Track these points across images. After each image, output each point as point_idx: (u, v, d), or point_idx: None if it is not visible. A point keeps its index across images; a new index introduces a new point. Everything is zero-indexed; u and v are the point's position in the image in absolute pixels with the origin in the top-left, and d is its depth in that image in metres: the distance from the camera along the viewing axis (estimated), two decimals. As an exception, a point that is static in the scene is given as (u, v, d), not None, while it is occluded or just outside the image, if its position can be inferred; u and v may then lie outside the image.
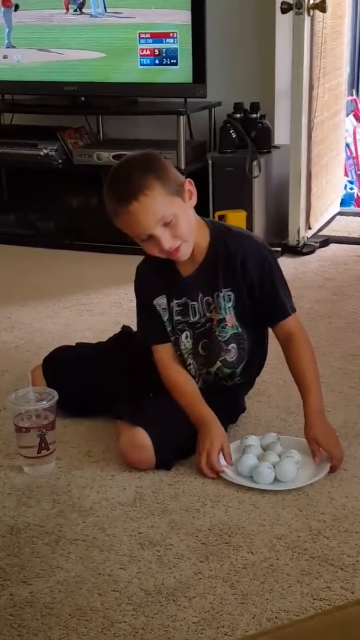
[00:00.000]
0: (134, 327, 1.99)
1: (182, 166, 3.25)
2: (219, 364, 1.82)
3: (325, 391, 2.08)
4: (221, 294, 1.77)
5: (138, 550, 1.48)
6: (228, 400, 1.87)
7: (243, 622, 1.30)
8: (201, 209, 3.32)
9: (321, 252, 3.30)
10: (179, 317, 1.80)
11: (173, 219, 1.65)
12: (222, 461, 1.70)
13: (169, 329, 1.82)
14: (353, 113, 4.51)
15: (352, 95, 4.52)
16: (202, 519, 1.57)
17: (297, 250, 3.27)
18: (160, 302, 1.80)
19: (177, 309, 1.80)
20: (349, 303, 2.74)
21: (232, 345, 1.80)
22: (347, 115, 4.21)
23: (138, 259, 1.86)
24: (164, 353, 1.82)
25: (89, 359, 2.00)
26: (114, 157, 3.38)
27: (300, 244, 3.29)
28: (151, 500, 1.63)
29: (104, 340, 2.10)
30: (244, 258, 1.74)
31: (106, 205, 1.69)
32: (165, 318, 1.81)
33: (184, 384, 1.80)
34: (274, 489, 1.64)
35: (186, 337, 1.81)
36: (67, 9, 3.47)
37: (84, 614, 1.33)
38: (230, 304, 1.77)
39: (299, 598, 1.35)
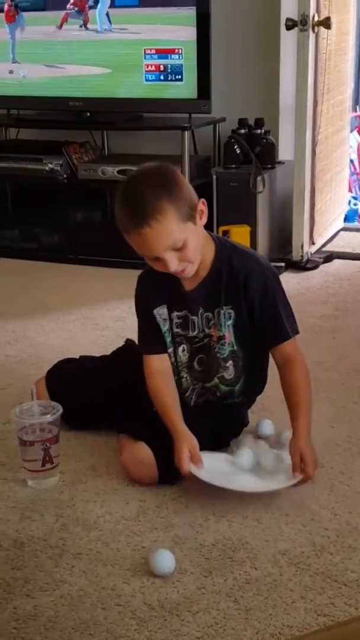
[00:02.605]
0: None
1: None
2: (216, 380, 1.82)
3: (328, 406, 2.08)
4: (222, 311, 1.77)
5: (141, 564, 1.48)
6: (230, 417, 1.87)
7: (246, 637, 1.29)
8: (205, 225, 3.34)
9: (325, 268, 3.31)
10: (178, 330, 1.80)
11: (183, 244, 1.65)
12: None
13: (168, 339, 1.81)
14: (357, 129, 4.53)
15: (356, 111, 4.55)
16: (206, 534, 1.57)
17: (301, 266, 3.28)
18: (161, 312, 1.80)
19: (177, 321, 1.80)
20: (353, 318, 2.74)
21: (230, 363, 1.80)
22: (352, 131, 4.23)
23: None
24: (157, 364, 1.79)
25: (91, 372, 2.01)
26: (118, 172, 3.40)
27: (304, 259, 3.30)
28: (155, 515, 1.63)
29: (108, 354, 2.11)
30: (247, 277, 1.74)
31: (117, 217, 1.67)
32: (165, 328, 1.80)
33: (167, 393, 1.76)
34: (246, 490, 1.64)
35: (183, 350, 1.81)
36: (61, 26, 3.50)
37: (87, 627, 1.33)
38: (230, 322, 1.77)
39: (302, 614, 1.34)
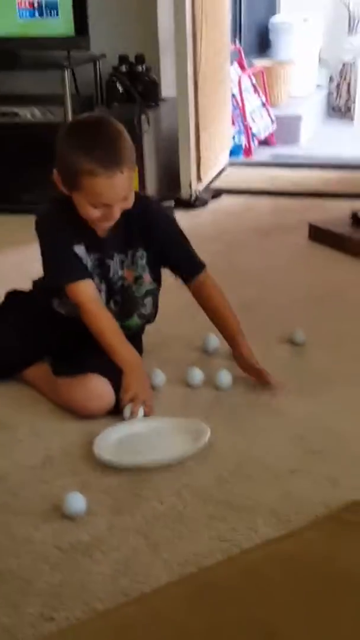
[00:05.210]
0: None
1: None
2: (135, 317, 1.93)
3: (222, 342, 2.14)
4: (137, 253, 1.87)
5: (51, 511, 1.52)
6: (136, 345, 1.96)
7: (156, 569, 1.36)
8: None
9: (213, 204, 3.36)
10: (97, 270, 1.85)
11: (129, 195, 1.73)
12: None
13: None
14: (237, 62, 4.53)
15: (235, 44, 4.54)
16: (112, 476, 1.61)
17: (190, 204, 3.32)
18: (80, 250, 1.82)
19: (95, 262, 1.84)
20: (243, 254, 2.81)
21: (148, 300, 1.93)
22: (231, 64, 4.22)
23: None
24: (90, 289, 1.80)
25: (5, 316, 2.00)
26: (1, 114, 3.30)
27: (193, 197, 3.34)
28: (61, 462, 1.67)
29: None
30: (153, 219, 1.85)
31: (74, 157, 1.67)
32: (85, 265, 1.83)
33: (113, 322, 1.81)
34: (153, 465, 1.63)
35: (100, 292, 1.86)
36: None
37: (1, 577, 1.36)
38: (143, 261, 1.88)
39: (207, 541, 1.42)
